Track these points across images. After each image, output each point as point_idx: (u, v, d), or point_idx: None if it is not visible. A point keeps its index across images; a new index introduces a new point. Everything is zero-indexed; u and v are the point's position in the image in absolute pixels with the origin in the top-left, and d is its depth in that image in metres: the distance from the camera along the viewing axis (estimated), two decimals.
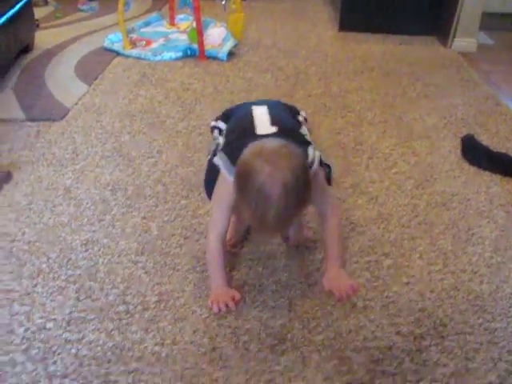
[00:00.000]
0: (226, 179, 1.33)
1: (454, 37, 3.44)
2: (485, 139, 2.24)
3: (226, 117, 1.59)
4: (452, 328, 1.37)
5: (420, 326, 1.37)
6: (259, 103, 1.55)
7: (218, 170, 1.38)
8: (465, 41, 3.44)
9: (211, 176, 1.44)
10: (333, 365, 1.26)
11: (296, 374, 1.24)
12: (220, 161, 1.36)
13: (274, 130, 1.36)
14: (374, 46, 3.44)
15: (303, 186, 1.22)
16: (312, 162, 1.33)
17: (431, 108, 2.57)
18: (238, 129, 1.46)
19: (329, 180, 1.49)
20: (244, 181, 1.22)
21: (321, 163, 1.41)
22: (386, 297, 1.46)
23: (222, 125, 1.57)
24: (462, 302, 1.45)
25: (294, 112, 1.62)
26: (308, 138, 1.48)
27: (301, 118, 1.61)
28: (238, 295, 1.37)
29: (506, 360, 1.28)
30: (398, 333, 1.35)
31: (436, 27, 3.63)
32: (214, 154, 1.42)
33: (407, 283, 1.51)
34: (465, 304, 1.45)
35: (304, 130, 1.54)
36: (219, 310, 1.35)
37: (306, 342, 1.32)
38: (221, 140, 1.49)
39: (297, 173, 1.20)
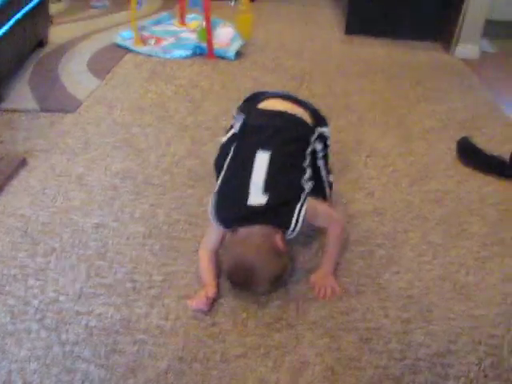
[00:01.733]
0: (213, 223, 1.53)
1: (456, 43, 3.53)
2: (481, 142, 2.33)
3: (242, 126, 1.65)
4: (437, 314, 1.46)
5: (407, 310, 1.47)
6: (265, 143, 1.56)
7: (226, 153, 1.61)
8: (467, 48, 3.53)
9: (219, 158, 1.66)
10: (324, 342, 1.36)
11: (290, 349, 1.34)
12: (209, 208, 1.52)
13: (263, 201, 1.46)
14: (378, 50, 3.53)
15: (279, 279, 1.48)
16: (295, 226, 1.47)
17: (431, 111, 2.67)
18: (232, 189, 1.54)
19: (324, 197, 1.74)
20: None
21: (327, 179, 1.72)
22: (377, 283, 1.56)
23: (237, 126, 1.66)
24: (448, 290, 1.55)
25: (306, 137, 1.65)
26: (307, 171, 1.60)
27: (312, 146, 1.66)
28: (211, 291, 1.45)
29: (486, 343, 1.38)
30: (386, 316, 1.45)
31: (440, 33, 3.72)
32: (226, 138, 1.68)
33: (397, 272, 1.60)
34: (450, 293, 1.54)
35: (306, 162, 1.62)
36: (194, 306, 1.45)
37: (299, 321, 1.42)
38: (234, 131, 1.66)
39: (272, 280, 1.44)
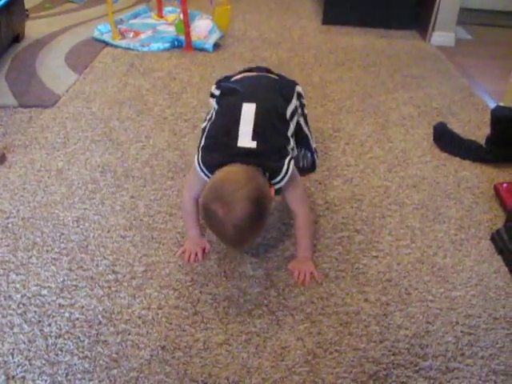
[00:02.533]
0: (197, 172, 1.49)
1: (432, 31, 3.56)
2: (457, 127, 2.37)
3: (222, 88, 1.71)
4: (415, 296, 1.49)
5: (386, 294, 1.50)
6: (249, 96, 1.57)
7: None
8: (443, 35, 3.57)
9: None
10: (304, 327, 1.38)
11: (271, 334, 1.36)
12: (196, 161, 1.50)
13: (253, 145, 1.44)
14: (356, 39, 3.56)
15: (257, 220, 1.37)
16: (284, 175, 1.46)
17: (407, 98, 2.70)
18: (220, 133, 1.52)
19: (312, 165, 1.75)
20: (205, 221, 1.43)
21: (311, 151, 1.72)
22: (356, 268, 1.58)
23: (217, 93, 1.73)
24: (426, 273, 1.58)
25: (287, 94, 1.71)
26: (290, 137, 1.61)
27: (293, 103, 1.72)
28: (207, 246, 1.62)
29: (463, 323, 1.41)
30: (365, 300, 1.47)
31: (416, 22, 3.76)
32: (206, 120, 1.66)
33: (376, 256, 1.63)
34: (428, 275, 1.57)
35: (293, 121, 1.68)
36: (188, 259, 1.57)
37: (280, 307, 1.44)
38: (212, 113, 1.65)
39: (250, 211, 1.31)
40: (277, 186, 1.47)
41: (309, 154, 1.84)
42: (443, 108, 2.61)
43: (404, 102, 2.65)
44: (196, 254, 1.58)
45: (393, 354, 1.32)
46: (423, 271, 1.59)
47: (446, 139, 2.26)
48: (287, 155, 1.49)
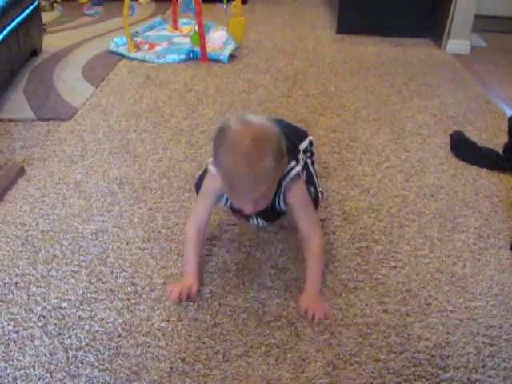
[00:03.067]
0: (211, 173, 1.48)
1: (447, 39, 3.56)
2: (473, 136, 2.35)
3: None
4: (435, 306, 1.48)
5: (406, 304, 1.49)
6: None
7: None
8: (458, 43, 3.56)
9: (201, 180, 1.61)
10: (324, 338, 1.38)
11: (291, 346, 1.36)
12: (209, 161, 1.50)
13: None
14: (370, 48, 3.56)
15: (276, 143, 1.33)
16: (290, 170, 1.46)
17: (423, 106, 2.69)
18: None
19: (315, 202, 1.61)
20: (219, 136, 1.36)
21: (315, 186, 1.63)
22: (375, 279, 1.58)
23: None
24: (446, 283, 1.57)
25: (299, 135, 1.73)
26: (301, 160, 1.58)
27: (305, 143, 1.73)
28: (195, 288, 1.46)
29: (484, 334, 1.40)
30: (385, 310, 1.47)
31: (430, 30, 3.76)
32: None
33: (395, 267, 1.62)
34: (448, 285, 1.56)
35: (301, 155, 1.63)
36: (173, 298, 1.46)
37: (299, 318, 1.43)
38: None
39: (269, 131, 1.33)
40: (287, 178, 1.47)
41: (312, 189, 1.67)
42: (459, 116, 2.60)
43: (420, 111, 2.64)
44: (183, 296, 1.45)
45: (413, 366, 1.31)
46: (442, 281, 1.58)
47: (463, 148, 2.25)
48: (296, 155, 1.52)
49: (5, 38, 2.57)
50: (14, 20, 2.72)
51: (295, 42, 3.68)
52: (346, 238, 1.74)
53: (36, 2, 3.14)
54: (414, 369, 1.30)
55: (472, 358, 1.33)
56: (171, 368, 1.29)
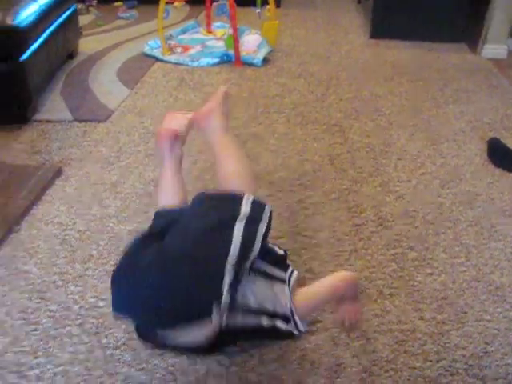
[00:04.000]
0: None
1: (483, 43, 3.51)
2: (511, 143, 2.32)
3: None
4: (472, 315, 1.47)
5: (442, 312, 1.47)
6: None
7: None
8: (495, 47, 3.51)
9: None
10: (360, 344, 1.37)
11: (326, 351, 1.35)
12: None
13: None
14: (404, 53, 3.53)
15: None
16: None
17: (459, 112, 2.66)
18: None
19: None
20: None
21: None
22: (411, 285, 1.56)
23: None
24: (483, 292, 1.55)
25: None
26: None
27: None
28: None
29: None
30: (421, 318, 1.45)
31: (465, 34, 3.71)
32: None
33: (431, 274, 1.61)
34: (485, 294, 1.54)
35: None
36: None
37: (335, 324, 1.43)
38: None
39: None
40: None
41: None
42: (496, 123, 2.56)
43: (455, 117, 2.61)
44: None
45: (450, 374, 1.30)
46: (479, 290, 1.56)
47: (500, 155, 2.22)
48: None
49: (45, 40, 2.62)
50: (53, 23, 2.77)
51: (328, 46, 3.67)
52: (382, 243, 1.73)
53: (74, 6, 3.19)
54: (450, 378, 1.29)
55: (511, 370, 1.31)
56: (207, 370, 1.30)
